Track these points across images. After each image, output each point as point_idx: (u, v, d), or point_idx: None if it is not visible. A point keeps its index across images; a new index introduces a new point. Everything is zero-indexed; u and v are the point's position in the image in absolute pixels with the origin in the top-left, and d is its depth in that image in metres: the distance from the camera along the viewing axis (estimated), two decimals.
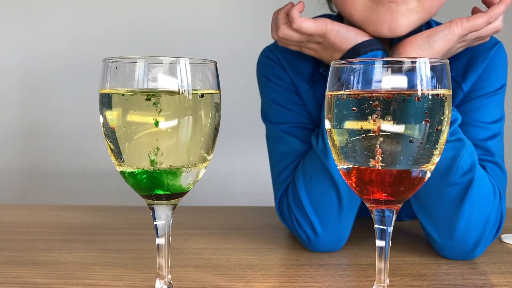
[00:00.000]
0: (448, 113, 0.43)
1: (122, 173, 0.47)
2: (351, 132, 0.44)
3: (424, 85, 0.42)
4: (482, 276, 0.61)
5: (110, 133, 0.46)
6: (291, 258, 0.68)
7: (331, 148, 0.48)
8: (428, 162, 0.44)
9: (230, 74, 1.36)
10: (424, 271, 0.62)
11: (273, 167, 0.79)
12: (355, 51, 0.67)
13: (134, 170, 0.46)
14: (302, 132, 0.76)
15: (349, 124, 0.45)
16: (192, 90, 0.45)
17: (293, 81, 0.78)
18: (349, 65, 0.45)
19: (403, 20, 0.65)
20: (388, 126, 0.43)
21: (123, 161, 0.46)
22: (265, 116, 0.81)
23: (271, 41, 0.81)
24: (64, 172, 1.69)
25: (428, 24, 0.76)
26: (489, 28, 0.67)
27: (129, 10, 1.67)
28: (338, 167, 0.48)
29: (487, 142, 0.70)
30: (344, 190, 0.68)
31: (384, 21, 0.65)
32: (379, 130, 0.43)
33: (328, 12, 0.84)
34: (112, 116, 0.45)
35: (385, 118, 0.42)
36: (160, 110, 0.44)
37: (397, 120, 0.42)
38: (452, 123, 0.65)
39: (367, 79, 0.44)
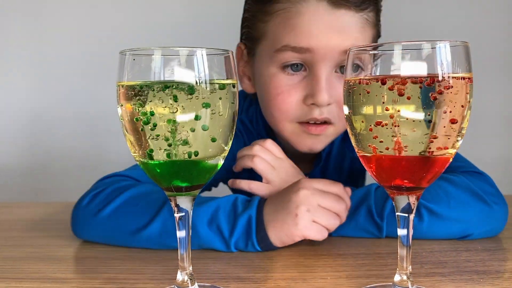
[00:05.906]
0: (469, 97, 0.43)
1: (142, 164, 0.47)
2: (370, 118, 0.44)
3: (445, 69, 0.42)
4: (503, 262, 0.60)
5: (129, 126, 0.46)
6: (308, 248, 0.68)
7: (350, 136, 0.48)
8: (449, 147, 0.44)
9: None
10: (444, 258, 0.62)
11: None
12: None
13: (153, 162, 0.46)
14: None
15: (368, 110, 0.44)
16: (210, 80, 0.45)
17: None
18: (367, 51, 0.44)
19: (320, 144, 0.78)
20: (408, 111, 0.42)
21: (142, 153, 0.46)
22: None
23: None
24: (76, 170, 1.70)
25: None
26: None
27: (136, 8, 1.67)
28: (358, 155, 0.48)
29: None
30: None
31: (305, 144, 0.78)
32: (399, 115, 0.42)
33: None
34: (130, 108, 0.45)
35: (404, 104, 0.42)
36: (178, 101, 0.43)
37: (416, 105, 0.42)
38: None
39: (385, 65, 0.44)
